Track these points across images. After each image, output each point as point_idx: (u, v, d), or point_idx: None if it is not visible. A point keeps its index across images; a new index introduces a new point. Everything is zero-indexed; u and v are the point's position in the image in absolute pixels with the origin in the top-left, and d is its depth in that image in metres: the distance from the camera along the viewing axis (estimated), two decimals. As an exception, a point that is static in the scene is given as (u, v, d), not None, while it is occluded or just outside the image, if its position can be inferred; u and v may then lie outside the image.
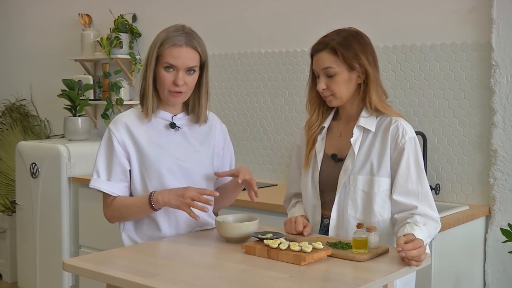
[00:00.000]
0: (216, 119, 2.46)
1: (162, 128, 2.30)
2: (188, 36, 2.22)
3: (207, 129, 2.39)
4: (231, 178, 2.44)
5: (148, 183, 2.26)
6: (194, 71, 2.24)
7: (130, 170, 2.27)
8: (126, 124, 2.27)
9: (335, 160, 2.24)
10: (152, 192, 2.19)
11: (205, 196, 2.14)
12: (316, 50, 2.19)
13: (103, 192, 2.27)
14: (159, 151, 2.27)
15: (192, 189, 2.15)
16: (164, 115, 2.31)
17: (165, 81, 2.21)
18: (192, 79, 2.25)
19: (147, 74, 2.24)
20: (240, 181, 2.24)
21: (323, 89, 2.18)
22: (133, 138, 2.26)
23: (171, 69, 2.20)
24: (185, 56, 2.20)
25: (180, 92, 2.23)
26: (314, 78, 2.25)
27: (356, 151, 2.18)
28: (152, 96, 2.25)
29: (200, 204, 2.13)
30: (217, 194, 2.17)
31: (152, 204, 2.17)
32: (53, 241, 4.22)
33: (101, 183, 2.26)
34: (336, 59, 2.15)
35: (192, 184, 2.29)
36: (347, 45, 2.15)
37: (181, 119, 2.34)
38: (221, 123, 2.47)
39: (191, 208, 2.13)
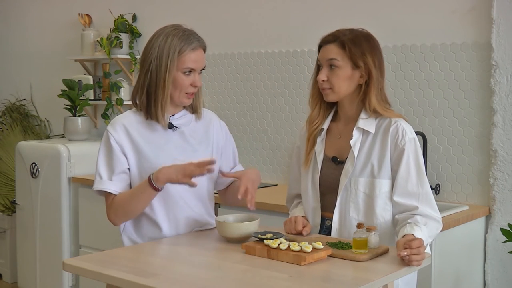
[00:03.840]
0: (214, 116, 2.46)
1: (160, 129, 2.30)
2: (197, 38, 2.27)
3: (205, 128, 2.39)
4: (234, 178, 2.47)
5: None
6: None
7: (129, 169, 2.27)
8: (124, 125, 2.28)
9: (336, 162, 2.23)
10: (150, 175, 2.18)
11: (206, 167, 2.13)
12: (325, 41, 2.21)
13: (106, 193, 2.26)
14: (157, 151, 2.27)
15: (192, 164, 2.14)
16: (163, 116, 2.32)
17: (184, 84, 2.24)
18: (201, 77, 2.31)
19: (163, 81, 2.21)
20: (239, 196, 2.19)
21: (323, 81, 2.18)
22: (131, 139, 2.27)
23: (189, 73, 2.24)
24: (201, 59, 2.27)
25: (194, 93, 2.29)
26: (318, 70, 2.25)
27: (356, 153, 2.17)
28: None
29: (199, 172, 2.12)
30: (215, 160, 2.17)
31: (153, 185, 2.16)
32: (53, 241, 4.22)
33: (103, 184, 2.25)
34: (343, 53, 2.15)
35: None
36: (356, 43, 2.16)
37: (179, 118, 2.34)
38: (219, 120, 2.48)
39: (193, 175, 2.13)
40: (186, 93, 2.26)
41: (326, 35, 2.22)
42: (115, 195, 2.25)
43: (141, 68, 2.27)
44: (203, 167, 2.13)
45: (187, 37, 2.23)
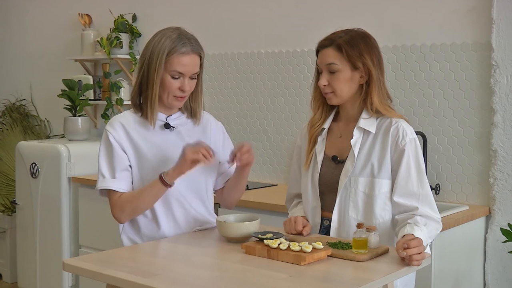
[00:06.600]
0: (211, 117, 2.47)
1: (157, 129, 2.31)
2: (192, 43, 2.25)
3: (202, 129, 2.40)
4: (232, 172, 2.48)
5: (147, 183, 2.26)
6: (197, 76, 2.29)
7: (130, 166, 2.28)
8: (122, 124, 2.29)
9: (336, 162, 2.24)
10: (161, 174, 2.20)
11: (204, 150, 2.15)
12: (322, 46, 2.20)
13: (110, 191, 2.26)
14: (155, 151, 2.28)
15: (189, 151, 2.15)
16: (159, 116, 2.32)
17: (172, 88, 2.24)
18: (194, 83, 2.29)
19: (152, 80, 2.23)
20: (239, 163, 2.27)
21: (324, 85, 2.18)
22: (129, 138, 2.28)
23: (178, 76, 2.23)
24: (192, 64, 2.24)
25: (183, 97, 2.27)
26: (319, 75, 2.25)
27: (356, 153, 2.17)
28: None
29: (202, 155, 2.14)
30: (212, 150, 2.17)
31: (164, 180, 2.18)
32: (53, 241, 4.22)
33: (107, 182, 2.25)
34: (340, 56, 2.15)
35: (191, 186, 2.30)
36: (353, 44, 2.15)
37: (176, 119, 2.35)
38: (216, 121, 2.48)
39: (199, 160, 2.15)
40: (174, 96, 2.26)
41: (322, 39, 2.21)
42: (121, 192, 2.25)
43: (138, 67, 2.30)
44: (200, 151, 2.13)
45: (180, 40, 2.23)
